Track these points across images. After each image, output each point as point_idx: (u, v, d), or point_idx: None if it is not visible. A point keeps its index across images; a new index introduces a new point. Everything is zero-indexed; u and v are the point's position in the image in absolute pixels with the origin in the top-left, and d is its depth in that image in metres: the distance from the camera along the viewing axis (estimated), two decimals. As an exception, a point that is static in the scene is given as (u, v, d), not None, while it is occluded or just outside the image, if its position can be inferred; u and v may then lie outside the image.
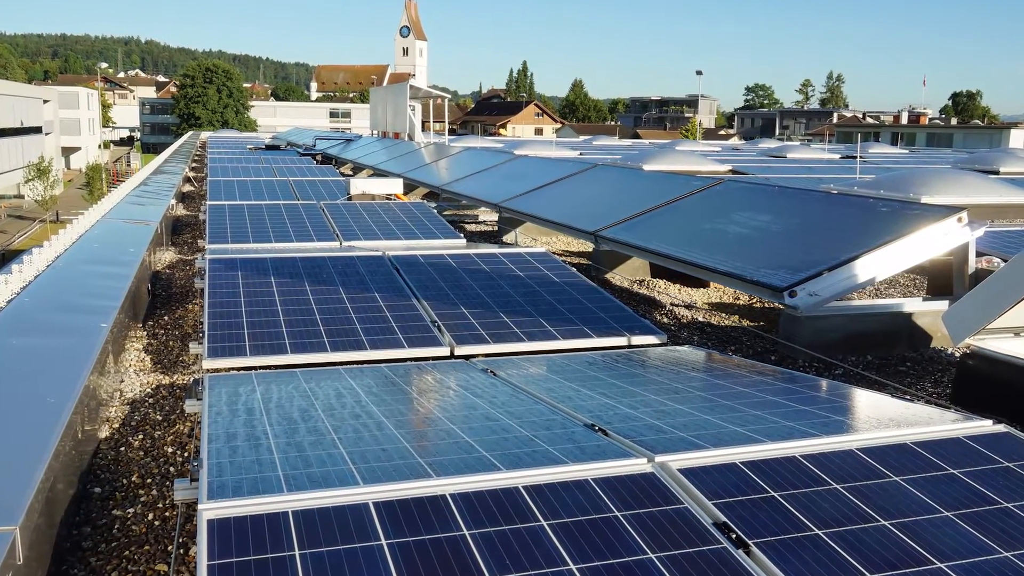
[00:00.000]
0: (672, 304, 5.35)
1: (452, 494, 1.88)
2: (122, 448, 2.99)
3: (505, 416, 2.53)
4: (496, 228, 8.60)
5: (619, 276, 6.14)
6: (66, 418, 2.41)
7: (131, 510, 2.55)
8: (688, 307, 5.30)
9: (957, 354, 4.12)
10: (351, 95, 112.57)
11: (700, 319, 4.98)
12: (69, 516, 2.38)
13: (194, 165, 17.34)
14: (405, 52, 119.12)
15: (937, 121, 75.07)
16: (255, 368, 3.61)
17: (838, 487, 1.99)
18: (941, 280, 4.76)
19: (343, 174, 13.19)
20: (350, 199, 8.27)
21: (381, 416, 2.53)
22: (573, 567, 1.65)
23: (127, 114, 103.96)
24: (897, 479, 2.03)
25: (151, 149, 73.34)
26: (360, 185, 8.48)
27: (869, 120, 77.04)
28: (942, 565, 1.70)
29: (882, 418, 2.44)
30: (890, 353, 4.24)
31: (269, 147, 20.89)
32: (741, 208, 5.50)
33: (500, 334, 3.93)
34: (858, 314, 4.23)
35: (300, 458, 2.11)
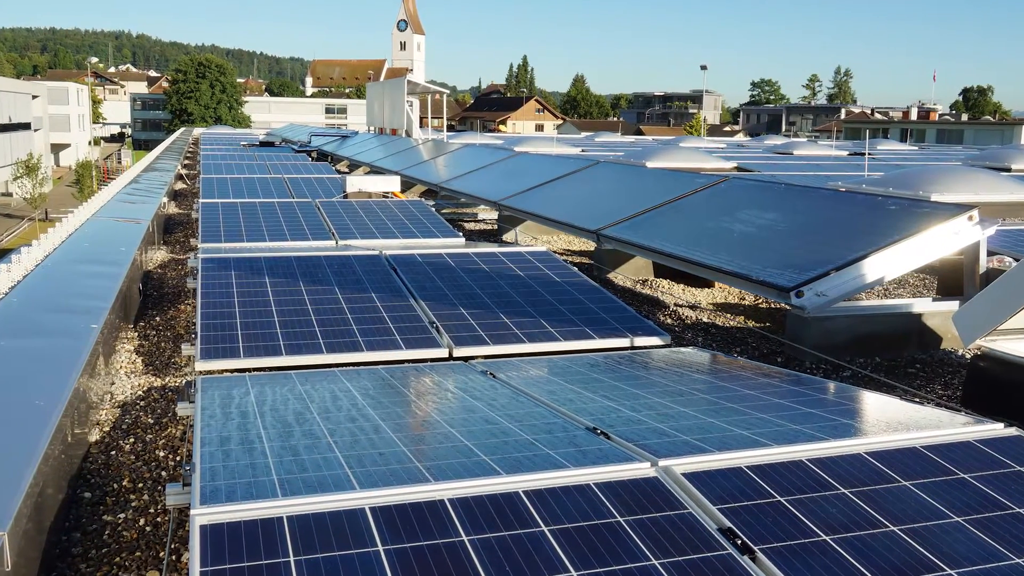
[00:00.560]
0: (676, 304, 5.31)
1: (451, 499, 1.84)
2: (113, 452, 2.95)
3: (505, 419, 2.48)
4: (496, 227, 8.55)
5: (622, 276, 6.09)
6: (55, 421, 2.37)
7: (122, 515, 2.51)
8: (692, 307, 5.25)
9: (968, 356, 4.08)
10: (347, 91, 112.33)
11: (705, 320, 4.94)
12: (59, 521, 2.34)
13: (186, 162, 17.23)
14: (402, 46, 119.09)
15: (947, 117, 75.02)
16: (249, 370, 3.56)
17: (846, 491, 1.95)
18: (951, 280, 4.71)
19: (339, 171, 13.13)
20: (346, 197, 8.20)
21: (378, 419, 2.49)
22: (575, 574, 1.61)
23: (118, 110, 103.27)
24: (906, 483, 2.00)
25: (142, 146, 73.20)
26: (356, 183, 8.42)
27: (878, 116, 76.94)
28: (952, 572, 1.67)
29: (891, 421, 2.40)
30: (899, 355, 4.19)
31: (263, 144, 20.74)
32: (747, 206, 5.46)
33: (500, 335, 3.88)
34: (866, 315, 4.18)
35: (295, 462, 2.07)
